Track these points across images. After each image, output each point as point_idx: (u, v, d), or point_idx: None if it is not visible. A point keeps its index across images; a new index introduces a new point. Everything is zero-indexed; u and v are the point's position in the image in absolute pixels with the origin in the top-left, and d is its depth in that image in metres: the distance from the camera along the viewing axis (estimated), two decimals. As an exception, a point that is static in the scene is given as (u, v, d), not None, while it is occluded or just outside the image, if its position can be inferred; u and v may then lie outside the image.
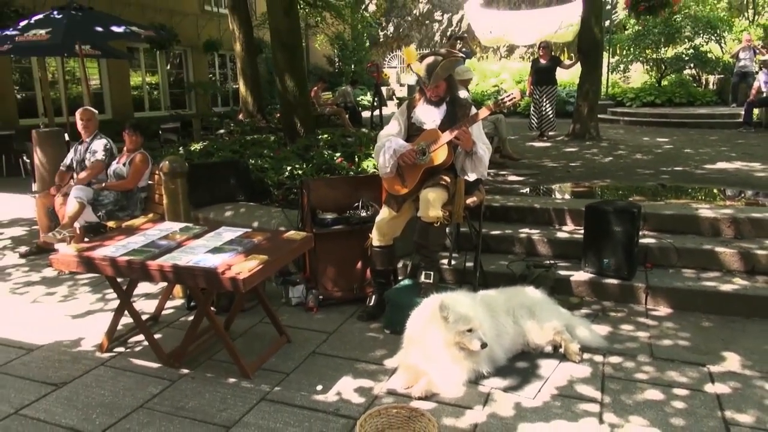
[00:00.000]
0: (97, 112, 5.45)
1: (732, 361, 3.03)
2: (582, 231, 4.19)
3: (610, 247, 3.89)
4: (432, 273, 3.51)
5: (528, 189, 6.07)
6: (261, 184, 5.34)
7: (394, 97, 19.16)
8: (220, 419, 2.60)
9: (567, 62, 10.73)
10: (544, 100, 9.75)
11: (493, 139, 6.99)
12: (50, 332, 3.55)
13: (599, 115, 10.49)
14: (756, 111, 10.96)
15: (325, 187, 4.15)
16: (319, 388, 2.85)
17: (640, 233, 4.14)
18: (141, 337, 3.33)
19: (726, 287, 3.72)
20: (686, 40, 15.74)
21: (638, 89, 14.86)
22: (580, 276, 3.99)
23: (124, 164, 5.06)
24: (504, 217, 4.84)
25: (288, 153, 6.25)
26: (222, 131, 10.07)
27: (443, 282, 4.02)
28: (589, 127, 9.56)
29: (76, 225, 4.86)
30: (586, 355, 3.11)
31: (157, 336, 3.36)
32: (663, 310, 3.72)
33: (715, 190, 5.95)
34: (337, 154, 5.85)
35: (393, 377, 2.93)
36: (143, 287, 4.26)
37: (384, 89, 16.63)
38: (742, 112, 10.94)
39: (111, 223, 4.79)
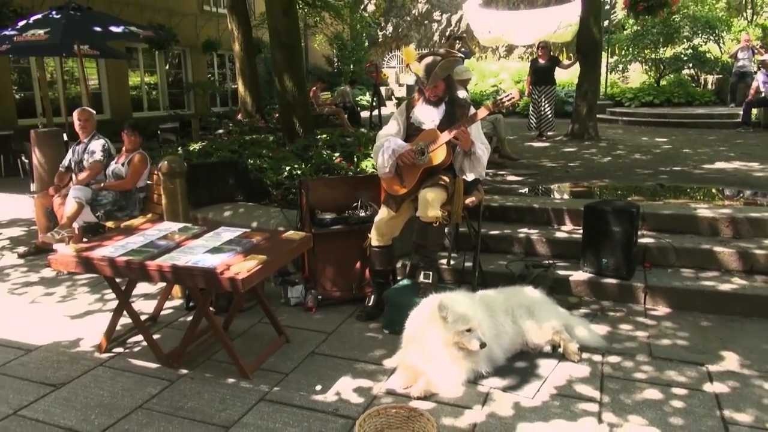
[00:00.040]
0: (94, 112, 5.44)
1: (730, 361, 3.03)
2: (581, 231, 4.20)
3: (608, 247, 3.90)
4: (431, 273, 3.51)
5: (527, 189, 6.07)
6: (260, 184, 5.33)
7: (393, 97, 19.17)
8: (219, 419, 2.60)
9: (566, 62, 10.73)
10: (543, 100, 9.75)
11: (492, 139, 6.99)
12: (49, 333, 3.55)
13: (598, 115, 10.49)
14: (754, 111, 10.97)
15: (323, 187, 4.15)
16: (318, 388, 2.85)
17: (639, 233, 4.14)
18: (140, 337, 3.33)
19: (724, 287, 3.72)
20: (685, 40, 15.76)
21: (637, 89, 14.87)
22: (579, 276, 3.99)
23: (122, 164, 5.05)
24: (503, 217, 4.85)
25: (287, 153, 6.25)
26: (221, 131, 10.07)
27: (442, 282, 4.02)
28: (587, 127, 9.57)
29: (75, 225, 4.85)
30: (585, 355, 3.11)
31: (155, 336, 3.36)
32: (662, 310, 3.72)
33: (713, 190, 5.96)
34: (336, 154, 5.85)
35: (392, 377, 2.93)
36: (142, 287, 4.26)
37: (383, 89, 16.63)
38: (741, 112, 10.94)
39: (110, 224, 4.80)
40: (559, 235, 4.49)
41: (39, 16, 7.24)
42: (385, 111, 12.14)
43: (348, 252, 4.00)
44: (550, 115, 9.84)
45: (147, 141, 6.68)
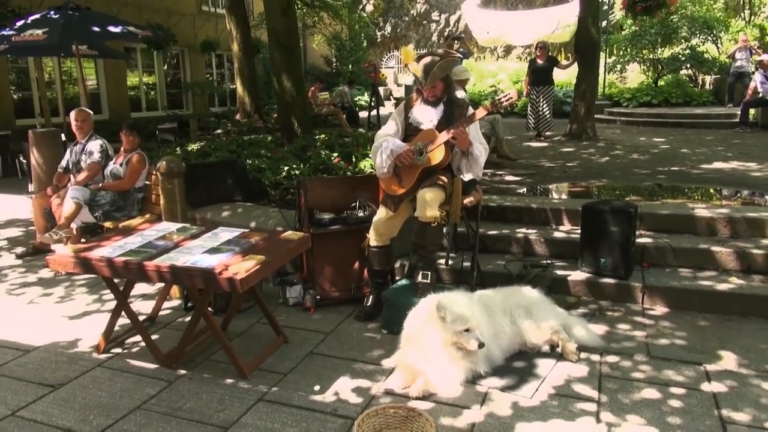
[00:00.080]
0: (92, 112, 5.42)
1: (728, 360, 3.04)
2: (579, 231, 4.20)
3: (606, 247, 3.90)
4: (429, 273, 3.51)
5: (525, 189, 6.08)
6: (258, 184, 5.33)
7: (391, 97, 19.16)
8: (218, 420, 2.60)
9: (564, 62, 10.74)
10: (541, 100, 9.76)
11: (491, 139, 7.00)
12: (47, 333, 3.54)
13: (596, 116, 10.49)
14: (752, 111, 10.99)
15: (322, 187, 4.15)
16: (317, 388, 2.85)
17: (637, 233, 4.15)
18: (138, 337, 3.33)
19: (722, 286, 3.73)
20: (683, 41, 15.79)
21: (635, 89, 14.89)
22: (577, 275, 3.99)
23: (120, 165, 5.05)
24: (501, 217, 4.85)
25: (285, 153, 6.25)
26: (219, 131, 10.07)
27: (440, 282, 4.03)
28: (586, 127, 9.58)
29: (73, 226, 4.84)
30: (583, 355, 3.11)
31: (154, 337, 3.35)
32: (660, 310, 3.73)
33: (711, 190, 5.97)
34: (335, 154, 5.85)
35: (390, 377, 2.93)
36: (140, 288, 4.25)
37: (381, 89, 16.63)
38: (739, 112, 10.97)
39: (108, 224, 4.79)
40: (557, 235, 4.50)
41: (37, 16, 7.23)
42: (383, 111, 12.13)
43: (346, 252, 4.00)
44: (548, 115, 9.84)
45: (145, 141, 6.69)
